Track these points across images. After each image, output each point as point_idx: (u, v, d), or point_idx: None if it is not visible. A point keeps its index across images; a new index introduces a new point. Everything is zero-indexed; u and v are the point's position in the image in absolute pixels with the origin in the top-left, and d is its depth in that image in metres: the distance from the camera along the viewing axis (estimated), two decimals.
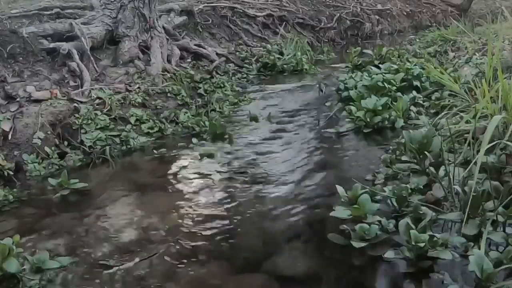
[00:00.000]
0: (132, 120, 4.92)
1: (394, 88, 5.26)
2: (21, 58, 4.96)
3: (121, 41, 6.11)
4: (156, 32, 6.49)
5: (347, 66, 7.41)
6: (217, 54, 7.33)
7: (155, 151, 4.50)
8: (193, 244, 2.86)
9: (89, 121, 4.58)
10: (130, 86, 5.50)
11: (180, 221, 3.15)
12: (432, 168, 3.09)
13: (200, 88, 6.04)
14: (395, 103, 4.78)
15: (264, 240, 2.88)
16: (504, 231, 2.48)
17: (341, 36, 11.34)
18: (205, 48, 7.22)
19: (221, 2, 9.12)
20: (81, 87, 5.06)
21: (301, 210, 3.21)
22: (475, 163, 2.55)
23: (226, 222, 3.11)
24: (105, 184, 3.83)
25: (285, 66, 7.64)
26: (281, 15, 10.10)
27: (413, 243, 2.39)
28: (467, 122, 3.40)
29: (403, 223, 2.56)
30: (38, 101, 4.55)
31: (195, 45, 7.16)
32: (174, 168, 4.14)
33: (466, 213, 2.54)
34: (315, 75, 7.25)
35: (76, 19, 6.08)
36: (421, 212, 2.70)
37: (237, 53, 8.07)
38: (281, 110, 5.58)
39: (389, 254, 2.49)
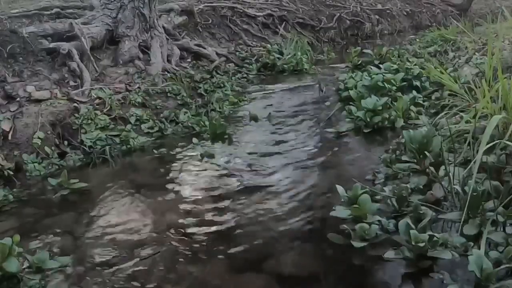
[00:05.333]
0: (132, 120, 4.92)
1: (394, 88, 5.26)
2: (21, 58, 4.96)
3: (121, 41, 6.12)
4: (156, 32, 6.49)
5: (347, 66, 7.41)
6: (217, 54, 7.32)
7: (155, 151, 4.50)
8: (193, 244, 2.86)
9: (89, 121, 4.58)
10: (130, 86, 5.50)
11: (180, 221, 3.16)
12: (432, 168, 3.09)
13: (200, 88, 6.04)
14: (395, 103, 4.78)
15: (264, 240, 2.88)
16: (504, 231, 2.48)
17: (341, 36, 11.33)
18: (205, 48, 7.22)
19: (221, 2, 9.12)
20: (81, 87, 5.06)
21: (301, 210, 3.21)
22: (475, 163, 2.54)
23: (226, 221, 3.12)
24: (105, 184, 3.83)
25: (285, 66, 7.63)
26: (281, 15, 10.10)
27: (413, 243, 2.39)
28: (467, 122, 3.39)
29: (403, 223, 2.56)
30: (38, 101, 4.55)
31: (195, 45, 7.16)
32: (174, 168, 4.15)
33: (466, 213, 2.54)
34: (315, 75, 7.25)
35: (76, 19, 6.08)
36: (421, 212, 2.70)
37: (237, 53, 8.06)
38: (281, 110, 5.58)
39: (389, 254, 2.49)
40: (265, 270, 2.58)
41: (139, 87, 5.46)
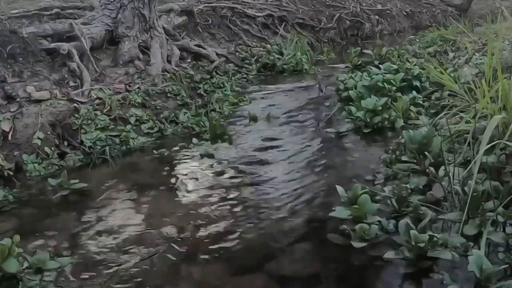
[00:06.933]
0: (132, 120, 4.92)
1: (394, 88, 5.26)
2: (21, 58, 4.96)
3: (121, 41, 6.12)
4: (156, 32, 6.49)
5: (347, 66, 7.41)
6: (217, 54, 7.32)
7: (155, 151, 4.50)
8: (193, 244, 2.86)
9: (89, 121, 4.58)
10: (130, 86, 5.50)
11: (180, 221, 3.15)
12: (432, 168, 3.09)
13: (200, 88, 6.04)
14: (395, 103, 4.78)
15: (264, 240, 2.88)
16: (504, 231, 2.48)
17: (341, 36, 11.32)
18: (205, 48, 7.22)
19: (221, 2, 9.12)
20: (81, 87, 5.06)
21: (301, 210, 3.21)
22: (475, 163, 2.55)
23: (226, 222, 3.12)
24: (105, 184, 3.83)
25: (285, 66, 7.63)
26: (281, 15, 10.09)
27: (413, 243, 2.39)
28: (467, 122, 3.40)
29: (403, 223, 2.56)
30: (38, 101, 4.55)
31: (195, 45, 7.16)
32: (174, 168, 4.15)
33: (466, 213, 2.54)
34: (315, 75, 7.25)
35: (76, 19, 6.08)
36: (421, 212, 2.70)
37: (237, 53, 8.06)
38: (281, 110, 5.58)
39: (389, 254, 2.49)
40: (265, 270, 2.58)
41: (139, 88, 5.46)
